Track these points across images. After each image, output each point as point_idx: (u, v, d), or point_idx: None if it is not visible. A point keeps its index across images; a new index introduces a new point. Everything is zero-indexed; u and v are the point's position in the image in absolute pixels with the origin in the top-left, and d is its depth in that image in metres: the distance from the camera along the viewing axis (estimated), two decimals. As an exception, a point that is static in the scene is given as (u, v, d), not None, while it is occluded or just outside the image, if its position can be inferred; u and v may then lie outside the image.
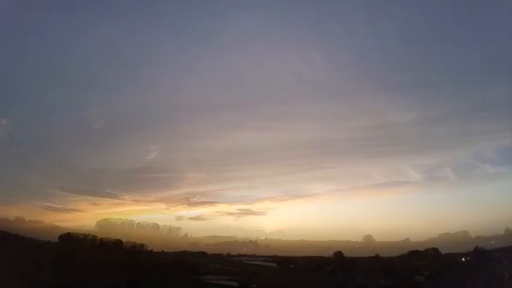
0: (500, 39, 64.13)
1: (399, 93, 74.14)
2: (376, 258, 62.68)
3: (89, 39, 69.86)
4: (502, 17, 62.50)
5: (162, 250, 68.82)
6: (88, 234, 50.84)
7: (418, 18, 70.40)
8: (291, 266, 56.43)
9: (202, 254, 69.19)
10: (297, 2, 71.96)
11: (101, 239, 53.36)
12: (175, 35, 73.59)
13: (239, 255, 69.34)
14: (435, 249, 56.43)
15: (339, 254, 57.77)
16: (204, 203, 70.13)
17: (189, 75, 73.84)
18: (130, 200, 71.02)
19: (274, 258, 68.08)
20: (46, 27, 68.68)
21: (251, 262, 46.26)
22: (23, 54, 68.16)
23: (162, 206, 70.63)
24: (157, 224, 74.69)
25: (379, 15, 71.47)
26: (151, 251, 62.26)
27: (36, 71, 68.19)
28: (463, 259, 56.00)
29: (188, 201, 70.62)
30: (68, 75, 69.37)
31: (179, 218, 70.08)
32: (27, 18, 64.76)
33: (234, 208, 70.56)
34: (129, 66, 72.80)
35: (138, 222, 73.91)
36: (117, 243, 52.44)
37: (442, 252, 58.96)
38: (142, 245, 51.60)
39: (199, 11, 71.34)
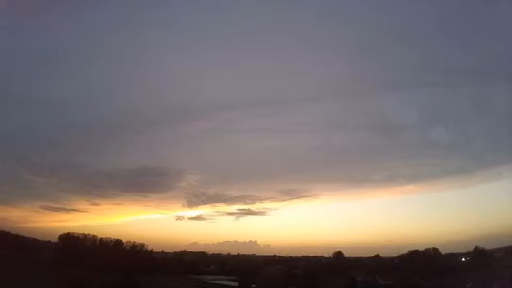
0: (502, 39, 64.46)
1: (399, 93, 75.11)
2: (376, 258, 62.90)
3: (90, 41, 70.25)
4: (503, 17, 62.75)
5: (162, 250, 69.61)
6: (88, 234, 51.08)
7: (419, 17, 70.14)
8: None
9: (202, 254, 69.58)
10: (296, 2, 72.39)
11: (101, 239, 53.64)
12: (178, 35, 73.78)
13: (239, 255, 69.68)
14: (435, 249, 56.41)
15: (338, 254, 57.82)
16: (204, 202, 70.02)
17: (190, 76, 73.91)
18: (131, 201, 71.06)
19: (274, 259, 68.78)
20: (48, 27, 68.48)
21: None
22: (24, 55, 68.40)
23: (162, 206, 70.24)
24: (157, 224, 75.05)
25: (380, 14, 71.39)
26: (151, 250, 62.78)
27: (36, 72, 68.43)
28: (463, 259, 56.04)
29: (188, 201, 70.51)
30: (69, 76, 69.71)
31: (179, 218, 69.84)
32: (28, 17, 64.46)
33: (234, 208, 70.48)
34: (130, 67, 73.06)
35: (138, 222, 74.44)
36: (117, 244, 52.36)
37: (442, 253, 59.16)
38: (142, 245, 51.45)
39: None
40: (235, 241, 71.34)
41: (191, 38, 72.80)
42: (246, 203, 71.21)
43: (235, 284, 47.39)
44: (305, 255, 68.22)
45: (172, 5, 72.18)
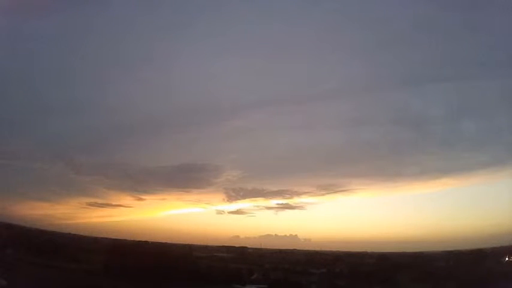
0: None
1: (423, 88, 72.40)
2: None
3: (120, 42, 71.47)
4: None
5: (206, 245, 71.54)
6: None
7: (441, 10, 66.49)
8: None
9: (243, 249, 71.08)
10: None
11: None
12: (200, 38, 74.19)
13: (280, 251, 70.63)
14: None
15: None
16: (243, 197, 71.01)
17: (221, 77, 74.20)
18: (173, 196, 73.12)
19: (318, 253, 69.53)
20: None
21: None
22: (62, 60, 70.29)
23: (203, 201, 71.88)
24: (199, 218, 76.93)
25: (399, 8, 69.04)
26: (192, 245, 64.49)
27: (77, 76, 70.37)
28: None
29: (227, 196, 71.53)
30: (107, 80, 71.38)
31: (220, 213, 71.23)
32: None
33: (273, 203, 70.88)
34: (164, 69, 73.96)
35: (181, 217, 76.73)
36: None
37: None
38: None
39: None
40: (275, 235, 71.78)
41: (213, 41, 73.23)
42: (284, 198, 71.23)
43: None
44: (348, 250, 67.94)
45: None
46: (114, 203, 69.54)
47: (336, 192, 71.13)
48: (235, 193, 70.98)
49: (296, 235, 71.52)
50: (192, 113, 71.15)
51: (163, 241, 63.42)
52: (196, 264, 52.10)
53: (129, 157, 70.26)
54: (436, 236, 67.25)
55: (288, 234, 71.95)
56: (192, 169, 70.16)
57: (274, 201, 70.74)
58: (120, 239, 61.41)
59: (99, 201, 68.68)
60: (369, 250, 67.86)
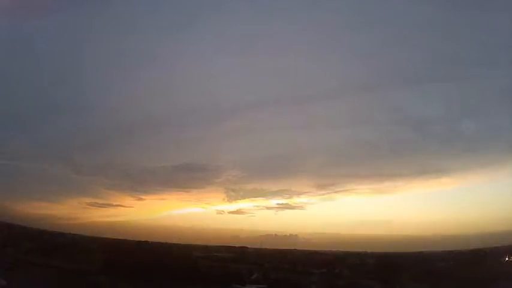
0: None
1: (423, 88, 73.32)
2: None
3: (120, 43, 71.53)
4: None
5: (206, 245, 71.38)
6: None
7: (443, 10, 66.92)
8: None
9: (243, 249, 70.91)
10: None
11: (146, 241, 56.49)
12: (200, 41, 75.19)
13: (280, 251, 70.42)
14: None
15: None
16: (242, 197, 71.33)
17: (219, 78, 74.33)
18: (174, 195, 73.29)
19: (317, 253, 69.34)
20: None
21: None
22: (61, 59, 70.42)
23: (203, 200, 72.15)
24: (199, 218, 77.03)
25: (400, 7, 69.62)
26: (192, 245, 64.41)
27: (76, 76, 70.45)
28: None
29: (227, 196, 71.69)
30: (108, 80, 71.53)
31: (220, 212, 71.49)
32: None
33: (272, 203, 71.73)
34: (163, 69, 74.28)
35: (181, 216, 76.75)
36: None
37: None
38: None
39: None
40: (275, 235, 71.87)
41: (213, 41, 75.51)
42: (284, 198, 71.72)
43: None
44: (348, 250, 67.66)
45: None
46: (114, 203, 70.16)
47: (336, 192, 71.71)
48: (235, 193, 71.36)
49: (296, 235, 71.63)
50: (192, 113, 71.68)
51: (163, 241, 63.71)
52: (196, 264, 51.92)
53: (129, 157, 70.97)
54: (436, 236, 67.23)
55: (288, 234, 72.08)
56: (192, 169, 70.39)
57: (274, 201, 71.72)
58: (120, 239, 61.35)
59: (99, 201, 69.22)
60: (368, 250, 67.76)
